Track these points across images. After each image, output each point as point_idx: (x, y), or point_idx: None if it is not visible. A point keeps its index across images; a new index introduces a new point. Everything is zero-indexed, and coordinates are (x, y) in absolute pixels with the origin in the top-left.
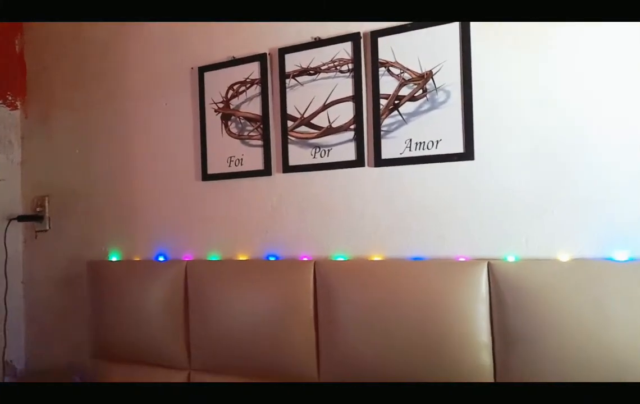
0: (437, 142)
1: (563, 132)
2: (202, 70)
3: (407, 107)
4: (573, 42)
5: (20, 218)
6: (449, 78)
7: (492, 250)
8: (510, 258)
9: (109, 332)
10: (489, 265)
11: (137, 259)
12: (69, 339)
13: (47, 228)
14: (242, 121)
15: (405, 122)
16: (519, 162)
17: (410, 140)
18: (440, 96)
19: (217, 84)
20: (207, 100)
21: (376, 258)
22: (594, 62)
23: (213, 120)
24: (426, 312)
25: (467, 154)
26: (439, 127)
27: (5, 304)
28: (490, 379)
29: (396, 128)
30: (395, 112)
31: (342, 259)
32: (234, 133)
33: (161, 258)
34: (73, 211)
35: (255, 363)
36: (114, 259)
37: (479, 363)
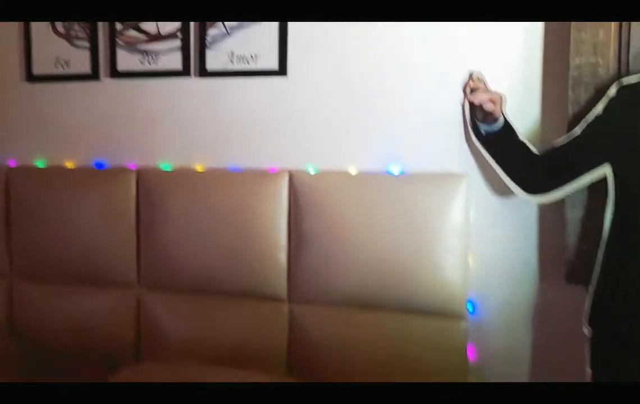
0: (256, 56)
1: (363, 57)
2: None
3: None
4: None
5: None
6: None
7: (298, 162)
8: (311, 170)
9: None
10: (290, 175)
11: None
12: None
13: None
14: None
15: (228, 34)
16: (324, 81)
17: (232, 52)
18: None
19: None
20: None
21: (198, 168)
22: None
23: None
24: (238, 218)
25: (281, 70)
26: (257, 42)
27: None
28: (285, 275)
29: (220, 39)
30: (220, 23)
31: (166, 169)
32: (61, 33)
33: None
34: None
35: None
36: None
37: (276, 260)
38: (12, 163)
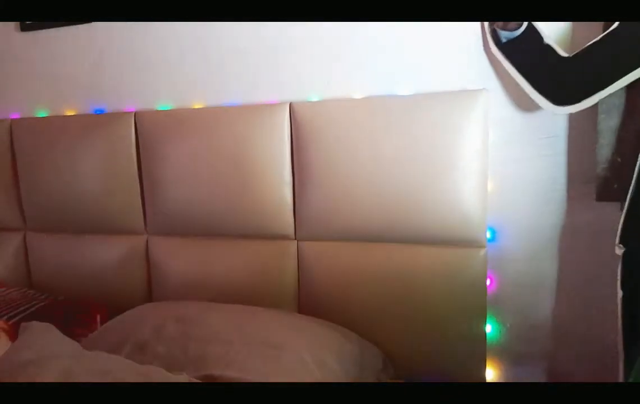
0: None
1: None
2: None
3: None
4: None
5: None
6: None
7: (299, 93)
8: (313, 99)
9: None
10: (291, 106)
11: None
12: None
13: None
14: None
15: None
16: None
17: None
18: None
19: None
20: None
21: (197, 106)
22: None
23: None
24: (239, 155)
25: None
26: None
27: None
28: (291, 212)
29: None
30: None
31: (164, 109)
32: None
33: None
34: None
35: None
36: None
37: (282, 197)
38: (14, 116)
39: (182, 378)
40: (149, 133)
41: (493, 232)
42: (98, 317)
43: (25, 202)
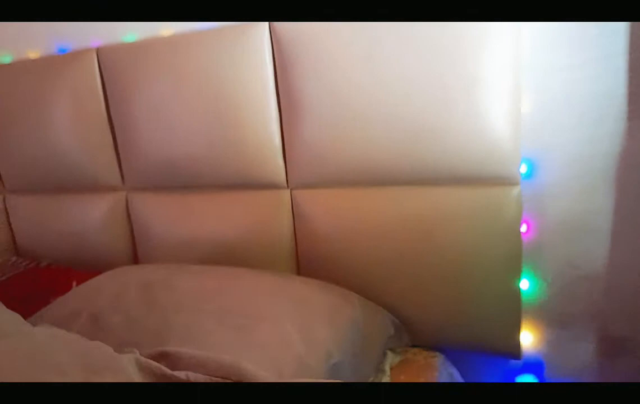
0: None
1: None
2: None
3: None
4: None
5: None
6: None
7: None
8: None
9: None
10: (271, 26)
11: None
12: None
13: None
14: None
15: None
16: None
17: None
18: None
19: None
20: None
21: (165, 34)
22: None
23: None
24: (215, 89)
25: None
26: None
27: None
28: (280, 155)
29: None
30: None
31: (129, 40)
32: None
33: None
34: None
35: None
36: None
37: (268, 135)
38: None
39: (129, 358)
40: (113, 71)
41: (530, 165)
42: (74, 284)
43: (1, 162)
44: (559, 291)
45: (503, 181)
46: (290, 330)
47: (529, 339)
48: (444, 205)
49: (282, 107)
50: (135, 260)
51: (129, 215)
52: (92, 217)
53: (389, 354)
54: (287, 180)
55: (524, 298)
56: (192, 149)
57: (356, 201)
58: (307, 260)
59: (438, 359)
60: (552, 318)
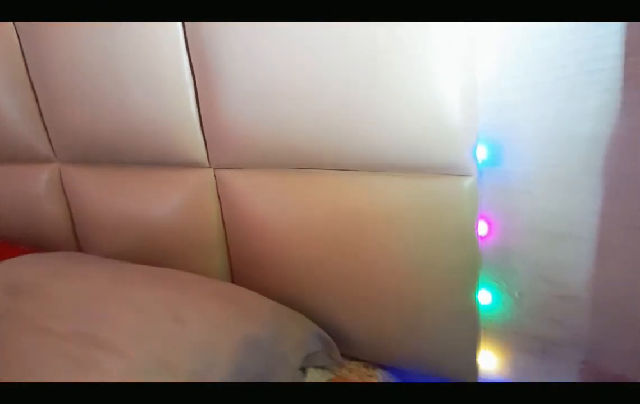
0: None
1: None
2: None
3: None
4: None
5: None
6: None
7: None
8: None
9: None
10: None
11: None
12: None
13: None
14: None
15: None
16: None
17: None
18: None
19: None
20: None
21: None
22: None
23: None
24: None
25: None
26: None
27: None
28: (198, 128)
29: None
30: None
31: None
32: None
33: None
34: None
35: None
36: None
37: (184, 107)
38: None
39: None
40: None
41: (491, 148)
42: None
43: None
44: (529, 310)
45: (451, 170)
46: (151, 365)
47: (492, 362)
48: (382, 196)
49: (195, 72)
50: (76, 240)
51: (64, 190)
52: (33, 189)
53: (311, 372)
54: (207, 158)
55: (484, 313)
56: (107, 119)
57: (284, 185)
58: (236, 244)
59: (377, 379)
60: (522, 341)
